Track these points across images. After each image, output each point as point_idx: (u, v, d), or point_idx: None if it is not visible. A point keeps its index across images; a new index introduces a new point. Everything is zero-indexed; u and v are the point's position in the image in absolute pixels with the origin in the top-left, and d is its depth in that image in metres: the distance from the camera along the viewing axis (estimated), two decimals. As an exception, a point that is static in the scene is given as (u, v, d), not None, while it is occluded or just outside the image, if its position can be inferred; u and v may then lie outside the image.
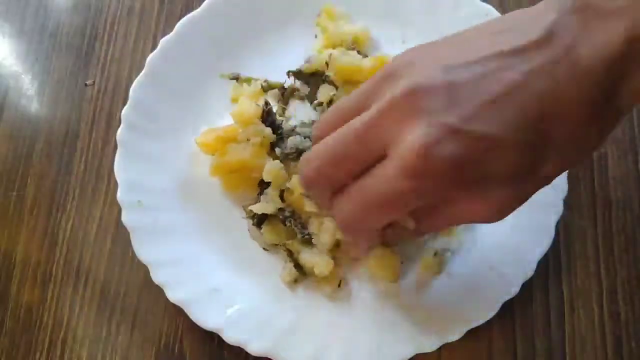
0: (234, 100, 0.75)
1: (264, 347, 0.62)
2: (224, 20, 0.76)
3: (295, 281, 0.67)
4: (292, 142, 0.69)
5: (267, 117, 0.71)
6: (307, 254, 0.66)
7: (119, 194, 0.68)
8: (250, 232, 0.70)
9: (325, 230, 0.64)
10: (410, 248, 0.67)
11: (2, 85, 0.83)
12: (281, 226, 0.67)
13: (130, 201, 0.68)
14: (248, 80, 0.75)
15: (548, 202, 0.65)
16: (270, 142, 0.70)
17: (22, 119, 0.81)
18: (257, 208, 0.67)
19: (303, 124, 0.72)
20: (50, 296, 0.72)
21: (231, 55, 0.77)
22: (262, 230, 0.68)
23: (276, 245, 0.68)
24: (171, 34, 0.75)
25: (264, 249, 0.69)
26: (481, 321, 0.62)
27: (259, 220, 0.68)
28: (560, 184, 0.65)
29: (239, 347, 0.63)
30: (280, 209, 0.67)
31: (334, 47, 0.74)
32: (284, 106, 0.75)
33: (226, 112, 0.73)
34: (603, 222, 0.69)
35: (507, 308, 0.63)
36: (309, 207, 0.64)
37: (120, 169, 0.70)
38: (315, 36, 0.78)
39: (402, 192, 0.44)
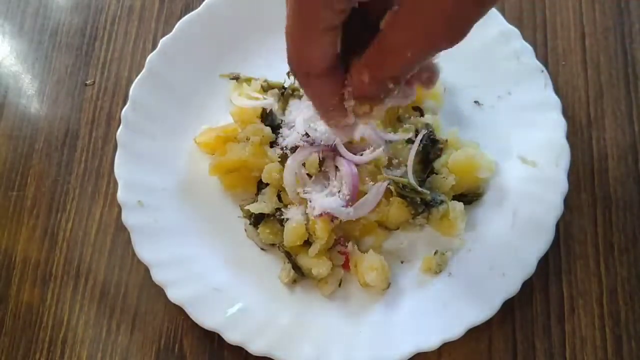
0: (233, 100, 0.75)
1: (264, 347, 0.62)
2: (224, 20, 0.76)
3: (294, 282, 0.67)
4: (291, 141, 0.69)
5: (267, 116, 0.71)
6: (305, 256, 0.66)
7: (119, 194, 0.68)
8: (247, 232, 0.70)
9: (321, 229, 0.64)
10: (410, 248, 0.68)
11: (2, 85, 0.83)
12: (278, 226, 0.67)
13: (130, 201, 0.68)
14: (248, 80, 0.75)
15: (548, 202, 0.65)
16: (270, 142, 0.70)
17: (22, 119, 0.81)
18: (255, 208, 0.67)
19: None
20: (50, 296, 0.72)
21: (231, 55, 0.77)
22: (258, 230, 0.68)
23: (273, 245, 0.68)
24: (171, 34, 0.75)
25: (261, 249, 0.69)
26: (481, 321, 0.62)
27: (256, 220, 0.68)
28: (560, 183, 0.65)
29: (239, 347, 0.63)
30: (278, 209, 0.67)
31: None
32: (284, 106, 0.75)
33: (226, 112, 0.73)
34: (603, 222, 0.69)
35: (507, 308, 0.63)
36: None
37: (120, 169, 0.70)
38: (315, 36, 0.78)
39: None
